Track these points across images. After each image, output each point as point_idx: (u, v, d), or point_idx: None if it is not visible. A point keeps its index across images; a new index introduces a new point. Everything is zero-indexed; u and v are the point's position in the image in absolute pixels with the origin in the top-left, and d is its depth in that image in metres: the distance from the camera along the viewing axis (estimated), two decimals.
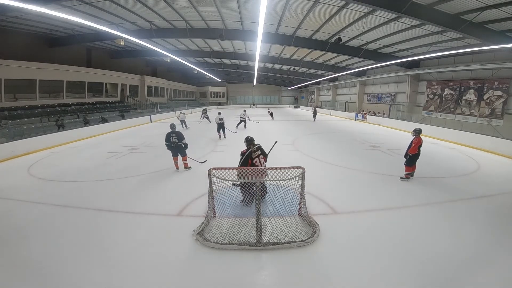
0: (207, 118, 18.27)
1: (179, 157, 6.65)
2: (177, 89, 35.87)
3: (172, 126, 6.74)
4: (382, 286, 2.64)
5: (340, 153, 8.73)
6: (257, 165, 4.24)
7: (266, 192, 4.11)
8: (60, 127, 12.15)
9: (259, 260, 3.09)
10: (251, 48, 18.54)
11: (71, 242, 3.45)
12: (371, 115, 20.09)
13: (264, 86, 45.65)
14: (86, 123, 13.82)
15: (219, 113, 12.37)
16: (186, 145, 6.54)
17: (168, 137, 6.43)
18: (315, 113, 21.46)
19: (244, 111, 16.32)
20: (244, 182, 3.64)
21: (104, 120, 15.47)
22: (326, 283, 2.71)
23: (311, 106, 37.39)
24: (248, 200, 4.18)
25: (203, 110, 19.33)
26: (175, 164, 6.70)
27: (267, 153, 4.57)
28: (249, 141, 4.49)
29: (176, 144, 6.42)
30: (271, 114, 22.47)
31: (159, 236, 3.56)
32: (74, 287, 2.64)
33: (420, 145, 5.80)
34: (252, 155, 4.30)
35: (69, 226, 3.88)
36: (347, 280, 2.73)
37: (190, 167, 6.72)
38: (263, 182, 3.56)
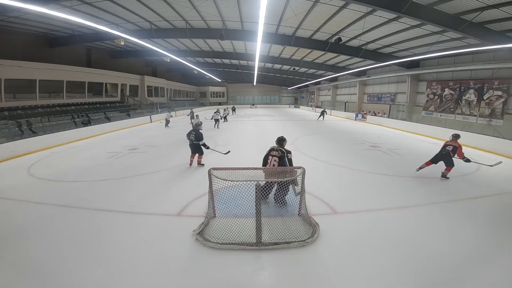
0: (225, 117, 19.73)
1: (196, 156, 6.95)
2: (177, 89, 35.87)
3: (197, 124, 7.09)
4: (382, 286, 2.64)
5: (340, 153, 8.73)
6: (269, 163, 4.29)
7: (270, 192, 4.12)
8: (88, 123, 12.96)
9: (259, 260, 3.09)
10: (251, 48, 18.54)
11: (71, 242, 3.45)
12: (371, 115, 20.09)
13: (264, 86, 45.65)
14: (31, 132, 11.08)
15: (197, 116, 14.48)
16: (205, 146, 6.79)
17: (188, 134, 6.84)
18: (323, 113, 22.12)
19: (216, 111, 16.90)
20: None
21: (86, 123, 13.82)
22: (326, 283, 2.71)
23: (311, 106, 37.38)
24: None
25: (226, 108, 21.12)
26: (190, 160, 7.00)
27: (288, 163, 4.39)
28: (277, 140, 4.60)
29: (192, 142, 6.72)
30: (216, 120, 15.80)
31: (159, 236, 3.56)
32: (74, 287, 2.64)
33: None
34: (270, 153, 4.42)
35: (69, 226, 3.88)
36: (347, 280, 2.73)
37: (203, 165, 6.94)
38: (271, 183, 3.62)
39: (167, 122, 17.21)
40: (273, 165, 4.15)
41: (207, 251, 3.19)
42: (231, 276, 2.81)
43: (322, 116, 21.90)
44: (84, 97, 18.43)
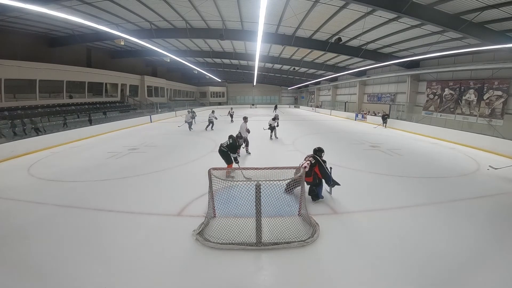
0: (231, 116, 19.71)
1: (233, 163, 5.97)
2: (177, 89, 35.88)
3: (238, 137, 6.21)
4: (382, 286, 2.64)
5: (340, 153, 8.72)
6: (301, 164, 4.58)
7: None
8: (38, 131, 11.25)
9: (259, 260, 3.09)
10: (251, 48, 18.54)
11: (71, 242, 3.45)
12: (371, 115, 20.08)
13: (264, 86, 45.65)
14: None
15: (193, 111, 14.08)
16: (236, 160, 5.91)
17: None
18: (385, 118, 16.62)
19: (212, 111, 15.97)
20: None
21: (38, 131, 11.34)
22: (326, 283, 2.71)
23: (311, 106, 37.36)
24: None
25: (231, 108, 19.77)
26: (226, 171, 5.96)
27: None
28: (314, 150, 4.92)
29: (222, 148, 5.89)
30: (231, 115, 19.88)
31: (159, 236, 3.56)
32: (74, 287, 2.64)
33: None
34: (305, 158, 4.84)
35: (69, 226, 3.88)
36: (347, 280, 2.73)
37: (233, 177, 5.78)
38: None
39: (190, 124, 14.67)
40: (305, 166, 4.45)
41: (207, 251, 3.19)
42: (231, 276, 2.81)
43: (384, 123, 16.59)
44: (84, 97, 18.44)
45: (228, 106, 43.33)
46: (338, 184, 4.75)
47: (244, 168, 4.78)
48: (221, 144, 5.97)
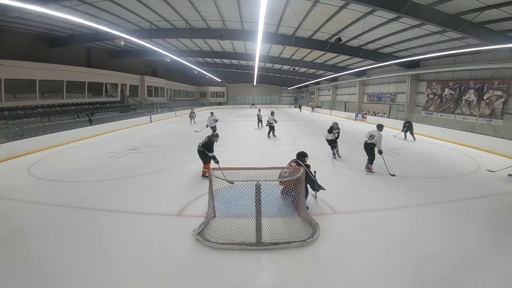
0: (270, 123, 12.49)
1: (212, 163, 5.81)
2: (177, 89, 35.87)
3: (214, 135, 6.09)
4: (382, 286, 2.64)
5: (340, 153, 8.71)
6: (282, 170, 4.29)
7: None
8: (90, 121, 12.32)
9: (259, 260, 3.10)
10: (251, 48, 18.53)
11: (71, 242, 3.45)
12: (371, 115, 20.09)
13: (264, 86, 45.67)
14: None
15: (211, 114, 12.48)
16: (215, 159, 5.78)
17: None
18: (409, 128, 11.68)
19: (272, 113, 12.48)
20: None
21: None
22: (326, 283, 2.71)
23: (311, 106, 37.33)
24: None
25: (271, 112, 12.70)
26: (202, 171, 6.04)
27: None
28: (297, 154, 4.68)
29: (199, 148, 5.86)
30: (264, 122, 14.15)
31: (159, 236, 3.56)
32: (74, 287, 2.64)
33: None
34: (289, 163, 4.61)
35: (69, 226, 3.88)
36: (347, 280, 2.73)
37: (207, 177, 5.62)
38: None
39: (214, 129, 11.80)
40: (285, 171, 4.20)
41: (207, 251, 3.19)
42: (231, 276, 2.81)
43: (412, 134, 11.71)
44: (84, 97, 18.44)
45: (229, 107, 43.72)
46: (323, 189, 4.41)
47: (244, 168, 4.77)
48: (199, 143, 5.93)
